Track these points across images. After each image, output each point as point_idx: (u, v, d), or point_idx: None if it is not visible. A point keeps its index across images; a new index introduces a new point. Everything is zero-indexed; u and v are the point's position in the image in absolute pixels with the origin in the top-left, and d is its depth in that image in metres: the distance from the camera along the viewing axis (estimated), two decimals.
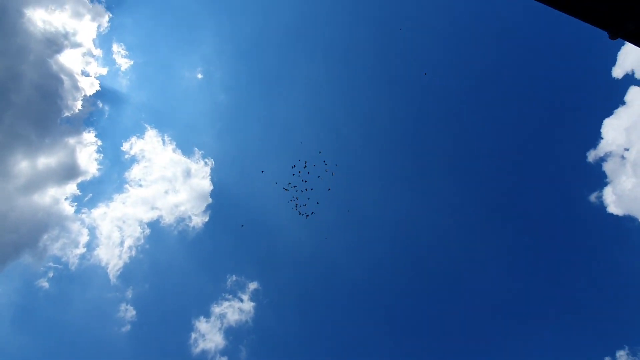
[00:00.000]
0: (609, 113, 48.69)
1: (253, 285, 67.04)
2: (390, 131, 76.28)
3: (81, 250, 67.60)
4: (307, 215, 49.27)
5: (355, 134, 77.50)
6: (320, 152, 50.13)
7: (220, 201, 74.32)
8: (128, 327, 64.47)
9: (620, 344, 43.78)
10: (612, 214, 46.49)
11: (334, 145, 76.64)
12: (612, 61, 48.62)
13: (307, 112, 79.67)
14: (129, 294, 66.87)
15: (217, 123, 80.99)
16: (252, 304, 65.69)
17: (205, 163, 75.09)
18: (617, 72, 47.52)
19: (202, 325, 64.69)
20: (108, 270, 67.60)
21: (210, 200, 72.33)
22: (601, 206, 48.28)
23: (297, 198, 47.76)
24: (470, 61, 68.76)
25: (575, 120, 56.58)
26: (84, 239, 68.66)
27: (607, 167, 48.40)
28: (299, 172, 47.09)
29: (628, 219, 45.15)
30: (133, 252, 69.26)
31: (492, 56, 67.38)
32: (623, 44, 47.92)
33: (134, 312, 65.26)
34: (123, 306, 65.64)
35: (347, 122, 78.87)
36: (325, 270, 70.88)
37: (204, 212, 72.00)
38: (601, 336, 46.21)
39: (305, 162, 46.90)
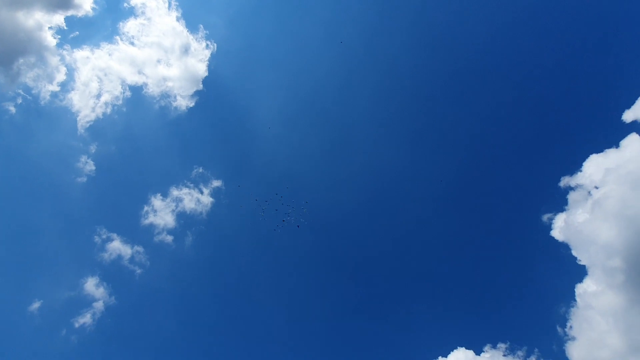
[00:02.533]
0: (599, 150, 50.11)
1: (217, 183, 68.30)
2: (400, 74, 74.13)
3: (55, 87, 64.95)
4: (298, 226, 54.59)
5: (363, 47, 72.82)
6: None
7: (212, 92, 71.75)
8: (84, 179, 65.50)
9: (504, 338, 51.09)
10: (552, 237, 50.67)
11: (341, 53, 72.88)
12: (628, 104, 48.70)
13: (326, 20, 73.10)
14: (93, 148, 66.70)
15: (232, 5, 74.30)
16: (211, 199, 67.68)
17: (207, 46, 70.78)
18: (628, 115, 48.06)
19: (157, 201, 66.71)
20: (77, 119, 66.23)
21: (201, 86, 69.72)
22: (548, 227, 52.27)
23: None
24: (469, 55, 65.94)
25: (566, 146, 58.16)
26: (61, 77, 65.63)
27: (572, 196, 51.41)
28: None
29: (563, 246, 49.62)
30: (108, 110, 67.58)
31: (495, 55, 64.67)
32: None
33: (93, 167, 65.85)
34: (84, 158, 65.84)
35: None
36: (295, 190, 72.32)
37: (192, 96, 69.82)
38: (491, 326, 53.48)
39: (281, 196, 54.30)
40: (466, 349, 49.17)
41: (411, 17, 70.36)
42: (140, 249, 64.26)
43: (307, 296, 64.66)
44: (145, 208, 66.31)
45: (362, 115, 72.14)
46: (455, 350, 49.42)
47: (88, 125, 66.56)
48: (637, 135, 47.27)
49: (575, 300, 47.66)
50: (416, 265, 62.08)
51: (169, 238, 65.45)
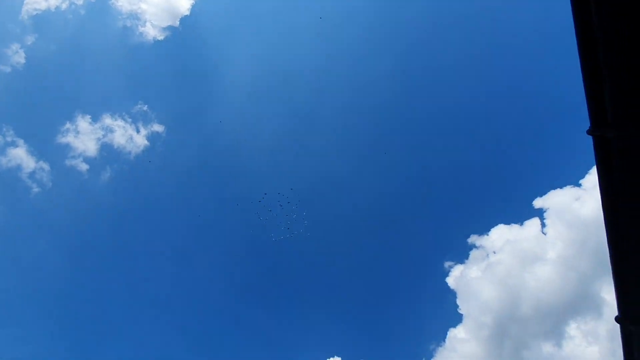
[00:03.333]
0: (507, 222, 57.26)
1: (159, 128, 62.37)
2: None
3: None
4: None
5: None
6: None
7: (187, 34, 65.43)
8: (8, 68, 56.34)
9: (377, 356, 56.15)
10: (446, 283, 56.92)
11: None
12: (541, 193, 56.19)
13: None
14: (30, 40, 57.70)
15: None
16: (147, 143, 61.92)
17: None
18: (538, 202, 55.18)
19: (83, 123, 59.42)
20: (25, 2, 57.03)
21: (177, 23, 63.62)
22: (446, 273, 58.45)
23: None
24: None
25: (482, 211, 66.24)
26: None
27: (474, 254, 58.09)
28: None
29: (452, 293, 56.02)
30: (64, 5, 58.70)
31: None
32: (555, 188, 55.48)
33: (23, 60, 56.98)
34: (15, 46, 56.72)
35: None
36: (236, 166, 69.82)
37: (163, 29, 63.31)
38: (369, 343, 58.45)
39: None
40: (342, 359, 52.97)
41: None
42: (46, 166, 57.07)
43: (202, 275, 62.96)
44: (67, 125, 58.76)
45: (342, 112, 70.95)
46: (331, 358, 53.00)
47: (35, 13, 57.38)
48: (538, 221, 55.05)
49: (444, 341, 53.90)
50: (318, 270, 64.20)
51: (84, 166, 58.93)
